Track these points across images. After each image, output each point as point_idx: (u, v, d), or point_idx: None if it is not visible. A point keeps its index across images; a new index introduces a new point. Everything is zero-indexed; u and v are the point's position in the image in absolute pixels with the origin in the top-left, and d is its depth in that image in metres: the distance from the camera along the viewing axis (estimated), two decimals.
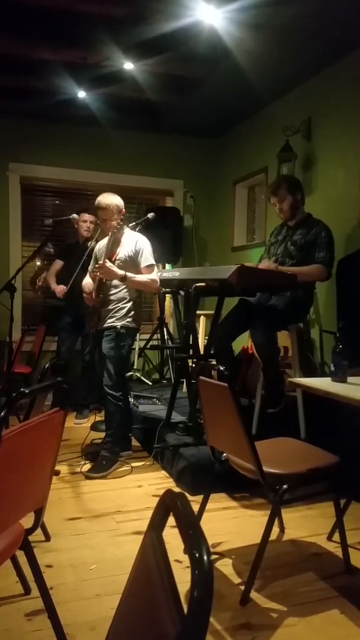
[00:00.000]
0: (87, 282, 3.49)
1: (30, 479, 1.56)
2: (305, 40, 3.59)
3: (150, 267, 3.35)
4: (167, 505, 0.78)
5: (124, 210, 3.42)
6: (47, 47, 3.72)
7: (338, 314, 3.63)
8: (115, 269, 3.22)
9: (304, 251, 3.27)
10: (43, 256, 5.50)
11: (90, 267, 3.60)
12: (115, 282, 3.32)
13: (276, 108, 4.69)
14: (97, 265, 3.29)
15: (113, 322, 3.35)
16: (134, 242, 3.37)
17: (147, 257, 3.35)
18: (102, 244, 3.52)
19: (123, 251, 3.36)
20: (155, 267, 3.41)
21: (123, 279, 3.23)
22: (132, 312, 3.40)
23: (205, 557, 0.59)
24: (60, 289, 4.52)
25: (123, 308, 3.36)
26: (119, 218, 3.35)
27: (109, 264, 3.22)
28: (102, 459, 3.34)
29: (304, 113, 4.20)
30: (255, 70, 3.94)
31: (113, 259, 3.33)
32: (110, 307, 3.37)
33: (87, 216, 4.45)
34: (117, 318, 3.35)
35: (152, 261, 3.38)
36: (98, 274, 3.27)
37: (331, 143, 3.98)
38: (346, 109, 3.79)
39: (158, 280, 3.38)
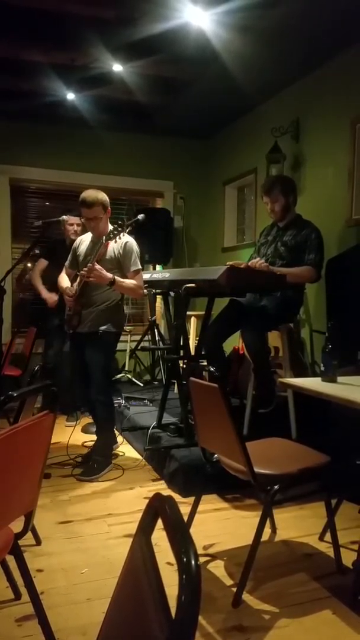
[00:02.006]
0: (64, 280, 3.39)
1: (19, 482, 1.55)
2: (292, 43, 3.60)
3: (137, 272, 3.24)
4: (156, 508, 0.78)
5: (110, 208, 3.26)
6: (36, 48, 3.70)
7: (328, 314, 3.64)
8: (104, 272, 3.09)
9: (294, 252, 3.28)
10: (32, 258, 5.45)
11: (67, 263, 3.47)
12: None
13: (265, 109, 4.70)
14: (85, 268, 3.11)
15: (95, 326, 3.25)
16: (122, 243, 3.21)
17: (136, 261, 3.24)
18: (85, 241, 3.40)
19: (109, 251, 3.23)
20: (141, 272, 3.31)
21: (111, 283, 3.11)
22: (115, 316, 3.31)
23: (192, 561, 0.58)
24: (52, 301, 4.45)
25: (106, 311, 3.27)
26: (106, 217, 3.23)
27: (98, 267, 3.08)
28: (93, 462, 3.33)
29: (293, 114, 4.22)
30: (244, 72, 3.95)
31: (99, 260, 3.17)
32: (92, 308, 3.26)
33: (73, 219, 4.35)
34: (100, 322, 3.25)
35: (139, 266, 3.27)
36: (85, 275, 3.12)
37: (319, 144, 4.00)
38: (334, 110, 3.81)
39: (143, 287, 3.31)
